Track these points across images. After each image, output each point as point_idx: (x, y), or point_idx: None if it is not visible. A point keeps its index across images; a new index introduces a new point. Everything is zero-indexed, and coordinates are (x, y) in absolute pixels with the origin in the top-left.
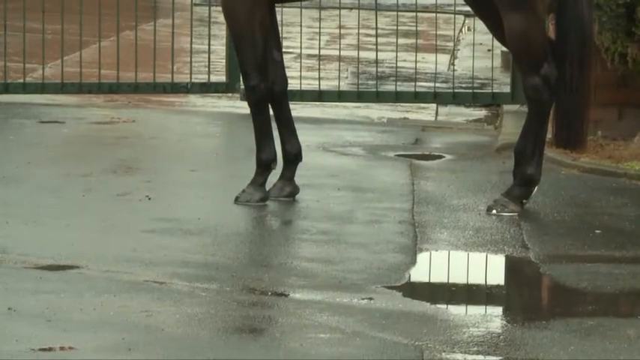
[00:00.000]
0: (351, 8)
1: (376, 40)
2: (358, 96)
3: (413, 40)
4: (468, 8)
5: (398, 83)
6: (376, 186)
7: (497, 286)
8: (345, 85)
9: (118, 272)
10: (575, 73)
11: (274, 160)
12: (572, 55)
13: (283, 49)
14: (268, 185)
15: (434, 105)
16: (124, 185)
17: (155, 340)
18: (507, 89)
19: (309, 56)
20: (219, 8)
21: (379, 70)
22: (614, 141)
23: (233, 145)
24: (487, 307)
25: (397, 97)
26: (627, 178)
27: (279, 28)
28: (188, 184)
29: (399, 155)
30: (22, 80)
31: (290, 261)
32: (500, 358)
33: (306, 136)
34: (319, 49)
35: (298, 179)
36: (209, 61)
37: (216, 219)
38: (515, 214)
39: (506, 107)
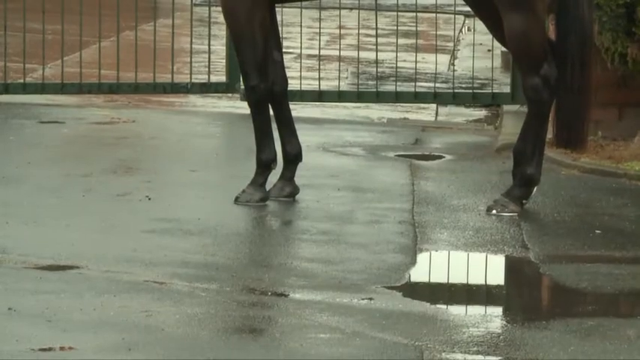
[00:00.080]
0: (351, 8)
1: (376, 41)
2: (358, 96)
3: (413, 41)
4: (467, 8)
5: (398, 83)
6: (376, 186)
7: (497, 287)
8: (345, 86)
9: (118, 272)
10: (576, 74)
11: (274, 160)
12: (573, 56)
13: (283, 50)
14: (268, 185)
15: (434, 105)
16: (124, 185)
17: (155, 341)
18: (507, 89)
19: (309, 56)
20: (219, 8)
21: (379, 70)
22: (614, 141)
23: (233, 145)
24: (487, 307)
25: (397, 98)
26: (627, 178)
27: (280, 29)
28: (188, 185)
29: (399, 155)
30: (22, 80)
31: (290, 261)
32: (500, 358)
33: (306, 137)
34: (319, 49)
35: (298, 179)
36: (209, 62)
37: (216, 219)
38: (515, 214)
39: (506, 107)
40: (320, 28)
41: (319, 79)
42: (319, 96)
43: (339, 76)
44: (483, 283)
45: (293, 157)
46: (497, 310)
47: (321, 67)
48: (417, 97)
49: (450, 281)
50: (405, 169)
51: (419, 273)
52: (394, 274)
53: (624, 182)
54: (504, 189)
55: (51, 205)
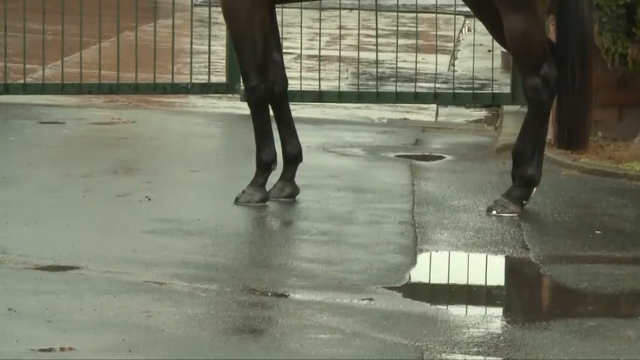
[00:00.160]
0: (351, 9)
1: (376, 41)
2: (358, 97)
3: (413, 41)
4: (468, 9)
5: (398, 84)
6: (376, 187)
7: (498, 287)
8: (345, 86)
9: (118, 273)
10: (577, 74)
11: (274, 160)
12: (573, 56)
13: (283, 50)
14: (268, 186)
15: (434, 106)
16: (124, 186)
17: (155, 341)
18: (507, 90)
19: (310, 57)
20: (220, 9)
21: (379, 70)
22: (614, 142)
23: (233, 145)
24: (487, 307)
25: (397, 98)
26: (627, 178)
27: (280, 29)
28: (188, 185)
29: (399, 156)
30: (22, 81)
31: (290, 262)
32: (500, 358)
33: (306, 137)
34: (319, 49)
35: (298, 180)
36: (209, 62)
37: (216, 220)
38: (516, 214)
39: (506, 108)
40: (320, 28)
41: (319, 79)
42: (319, 96)
43: (340, 76)
44: (484, 283)
45: (293, 158)
46: (498, 311)
47: (322, 67)
48: (418, 98)
49: (450, 282)
50: (405, 169)
51: (419, 273)
52: (394, 275)
53: (624, 183)
54: (504, 189)
55: (51, 205)
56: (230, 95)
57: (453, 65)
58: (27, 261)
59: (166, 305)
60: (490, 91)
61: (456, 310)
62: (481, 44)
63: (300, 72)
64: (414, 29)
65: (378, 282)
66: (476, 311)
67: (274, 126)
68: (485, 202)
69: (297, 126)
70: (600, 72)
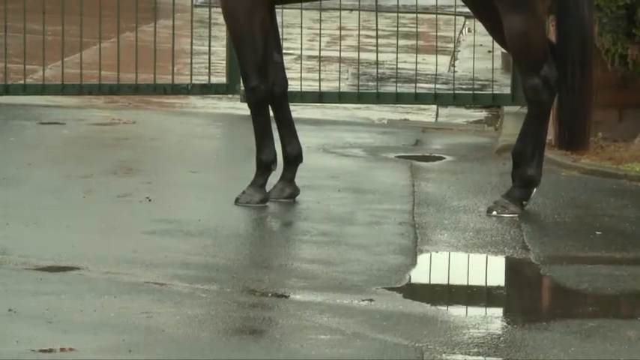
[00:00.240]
0: (351, 9)
1: (376, 42)
2: (358, 97)
3: (413, 42)
4: (468, 10)
5: (398, 84)
6: (376, 187)
7: (498, 288)
8: (345, 87)
9: (119, 273)
10: (577, 75)
11: (274, 161)
12: (573, 57)
13: (284, 51)
14: (268, 186)
15: (434, 106)
16: (125, 187)
17: (155, 342)
18: (508, 90)
19: (310, 57)
20: (220, 9)
21: (379, 71)
22: (614, 142)
23: (233, 146)
24: (487, 308)
25: (397, 99)
26: (628, 179)
27: (280, 30)
28: (188, 186)
29: (399, 156)
30: (22, 81)
31: (290, 262)
32: (500, 359)
33: (306, 138)
34: (320, 50)
35: (298, 180)
36: (209, 63)
37: (216, 220)
38: (516, 215)
39: (506, 108)
40: (320, 29)
41: (319, 80)
42: (319, 97)
43: (340, 77)
44: (484, 284)
45: (293, 159)
46: (498, 312)
47: (322, 68)
48: (418, 99)
49: (450, 282)
50: (405, 170)
51: (419, 274)
52: (394, 276)
53: (624, 183)
54: (505, 190)
55: (51, 206)
56: (230, 96)
57: (453, 66)
58: (27, 262)
59: (167, 306)
60: (490, 92)
61: (457, 311)
62: (481, 45)
63: (301, 73)
64: (414, 30)
65: (379, 283)
66: (476, 312)
67: (274, 127)
68: (485, 203)
69: (297, 127)
70: (600, 73)
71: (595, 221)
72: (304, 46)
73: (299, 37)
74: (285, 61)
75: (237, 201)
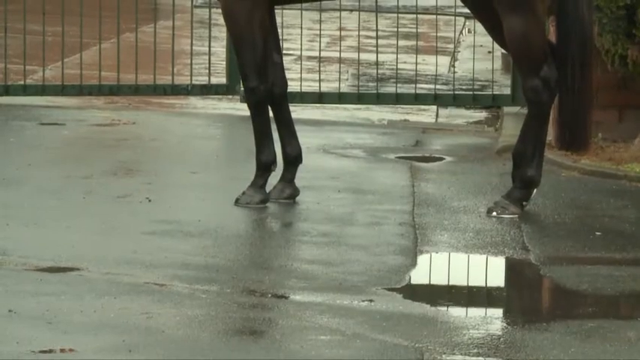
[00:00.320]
0: (351, 10)
1: (376, 42)
2: (358, 98)
3: (413, 42)
4: (468, 10)
5: (398, 85)
6: (376, 188)
7: (498, 288)
8: (345, 87)
9: (119, 274)
10: (577, 75)
11: (274, 161)
12: (573, 57)
13: (283, 51)
14: (268, 187)
15: (434, 107)
16: (125, 187)
17: (155, 342)
18: (508, 91)
19: (310, 58)
20: (220, 10)
21: (379, 72)
22: (614, 143)
23: (233, 147)
24: (487, 309)
25: (397, 99)
26: (627, 180)
27: (280, 30)
28: (188, 186)
29: (399, 157)
30: (22, 82)
31: (290, 263)
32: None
33: (306, 138)
34: (319, 50)
35: (298, 181)
36: (209, 63)
37: (216, 221)
38: (516, 216)
39: (506, 109)
40: (320, 29)
41: (319, 80)
42: (319, 98)
43: (340, 77)
44: (484, 285)
45: (293, 159)
46: (498, 312)
47: (322, 68)
48: (418, 99)
49: (450, 283)
50: (405, 170)
51: (419, 275)
52: (394, 276)
53: (624, 184)
54: (505, 191)
55: (51, 206)
56: (230, 96)
57: (453, 66)
58: (27, 262)
59: (167, 306)
60: (490, 93)
61: (456, 312)
62: (481, 45)
63: (300, 73)
64: (414, 30)
65: (379, 283)
66: (476, 312)
67: (274, 127)
68: (485, 204)
69: (297, 127)
70: (600, 73)
71: (595, 222)
72: (304, 46)
73: (299, 37)
74: (285, 62)
75: (237, 202)
